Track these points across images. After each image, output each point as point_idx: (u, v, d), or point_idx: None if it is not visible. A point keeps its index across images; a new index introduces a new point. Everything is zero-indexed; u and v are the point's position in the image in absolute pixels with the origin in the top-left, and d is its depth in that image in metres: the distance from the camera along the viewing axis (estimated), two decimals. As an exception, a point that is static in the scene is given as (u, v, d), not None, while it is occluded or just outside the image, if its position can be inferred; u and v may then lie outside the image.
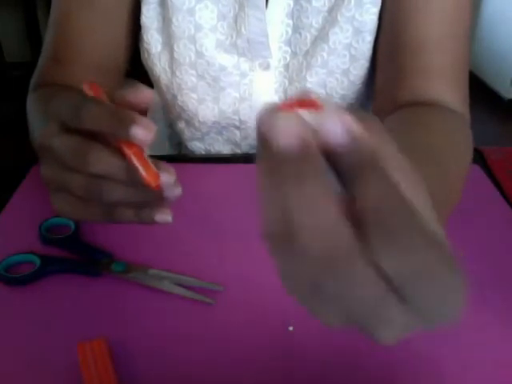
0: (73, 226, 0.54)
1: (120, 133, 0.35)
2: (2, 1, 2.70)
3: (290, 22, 0.64)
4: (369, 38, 0.64)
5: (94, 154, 0.37)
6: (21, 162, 0.65)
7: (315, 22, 0.64)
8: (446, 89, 0.60)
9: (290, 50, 0.66)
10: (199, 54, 0.66)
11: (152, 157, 0.38)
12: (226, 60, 0.66)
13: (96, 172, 0.37)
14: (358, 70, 0.67)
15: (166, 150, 0.84)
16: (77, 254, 0.51)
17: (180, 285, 0.48)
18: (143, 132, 0.35)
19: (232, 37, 0.65)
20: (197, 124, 0.73)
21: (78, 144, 0.37)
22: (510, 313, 0.47)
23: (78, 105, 0.37)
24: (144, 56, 0.71)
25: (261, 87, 0.69)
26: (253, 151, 0.76)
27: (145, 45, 0.69)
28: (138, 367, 0.41)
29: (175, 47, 0.66)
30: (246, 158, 0.72)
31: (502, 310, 0.47)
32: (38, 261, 0.49)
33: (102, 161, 0.37)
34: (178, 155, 0.80)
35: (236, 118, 0.71)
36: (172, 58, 0.67)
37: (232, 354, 0.43)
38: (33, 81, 0.69)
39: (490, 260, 0.52)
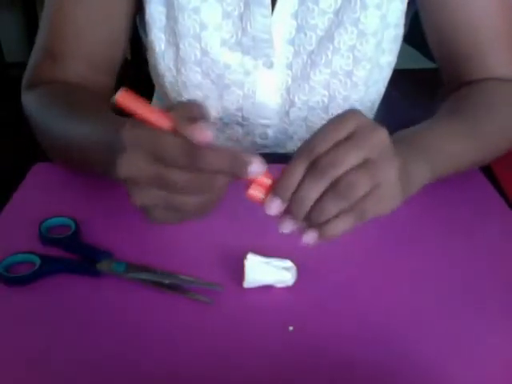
0: (73, 226, 0.54)
1: (240, 174, 0.40)
2: (1, 1, 2.69)
3: (294, 22, 0.65)
4: (372, 41, 0.65)
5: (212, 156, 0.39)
6: (21, 161, 0.65)
7: (321, 22, 0.65)
8: (500, 60, 0.66)
9: (293, 50, 0.67)
10: (204, 52, 0.67)
11: None
12: (231, 58, 0.67)
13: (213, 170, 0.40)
14: (361, 71, 0.68)
15: None
16: (77, 254, 0.51)
17: (180, 285, 0.48)
18: (260, 167, 0.41)
19: (237, 35, 0.66)
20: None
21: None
22: (511, 314, 0.47)
23: (183, 148, 0.39)
24: (148, 54, 0.71)
25: (264, 85, 0.69)
26: (254, 148, 0.76)
27: (149, 43, 0.69)
28: (137, 366, 0.41)
29: (181, 45, 0.67)
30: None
31: (502, 311, 0.47)
32: (37, 261, 0.49)
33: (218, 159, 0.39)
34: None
35: (239, 114, 0.72)
36: (177, 56, 0.68)
37: (232, 353, 0.43)
38: (26, 78, 0.68)
39: (490, 260, 0.52)
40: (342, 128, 0.42)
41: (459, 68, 0.67)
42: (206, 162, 0.39)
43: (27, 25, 2.70)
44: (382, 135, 0.42)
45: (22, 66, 0.66)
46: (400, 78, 0.70)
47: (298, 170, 0.41)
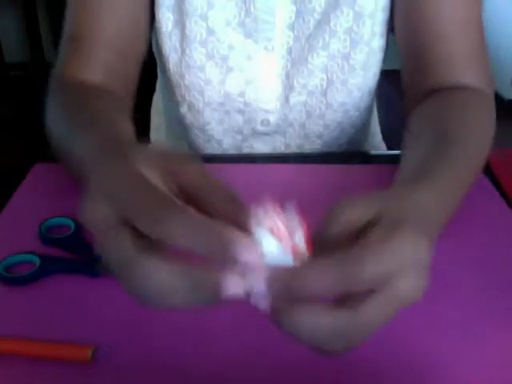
0: (73, 226, 0.54)
1: (219, 256, 0.30)
2: (1, 1, 2.70)
3: (294, 7, 0.66)
4: (368, 23, 0.66)
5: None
6: (21, 161, 0.65)
7: (318, 6, 0.66)
8: (469, 71, 0.64)
9: (292, 35, 0.68)
10: (210, 32, 0.67)
11: None
12: (234, 39, 0.68)
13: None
14: (358, 54, 0.68)
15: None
16: (77, 254, 0.51)
17: (180, 285, 0.48)
18: (249, 256, 0.30)
19: (240, 15, 0.67)
20: (200, 108, 0.73)
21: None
22: (510, 314, 0.47)
23: (160, 216, 0.31)
24: (154, 35, 0.71)
25: (265, 70, 0.70)
26: (254, 139, 0.76)
27: (156, 23, 0.69)
28: (138, 367, 0.41)
29: (187, 24, 0.67)
30: (250, 159, 0.72)
31: (502, 311, 0.47)
32: (37, 261, 0.49)
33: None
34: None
35: (241, 100, 0.72)
36: (183, 36, 0.68)
37: (232, 353, 0.43)
38: (56, 74, 0.65)
39: (490, 262, 0.52)
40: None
41: (425, 73, 0.65)
42: (176, 231, 0.32)
43: (27, 25, 2.71)
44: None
45: (22, 66, 0.66)
46: (400, 78, 0.70)
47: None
